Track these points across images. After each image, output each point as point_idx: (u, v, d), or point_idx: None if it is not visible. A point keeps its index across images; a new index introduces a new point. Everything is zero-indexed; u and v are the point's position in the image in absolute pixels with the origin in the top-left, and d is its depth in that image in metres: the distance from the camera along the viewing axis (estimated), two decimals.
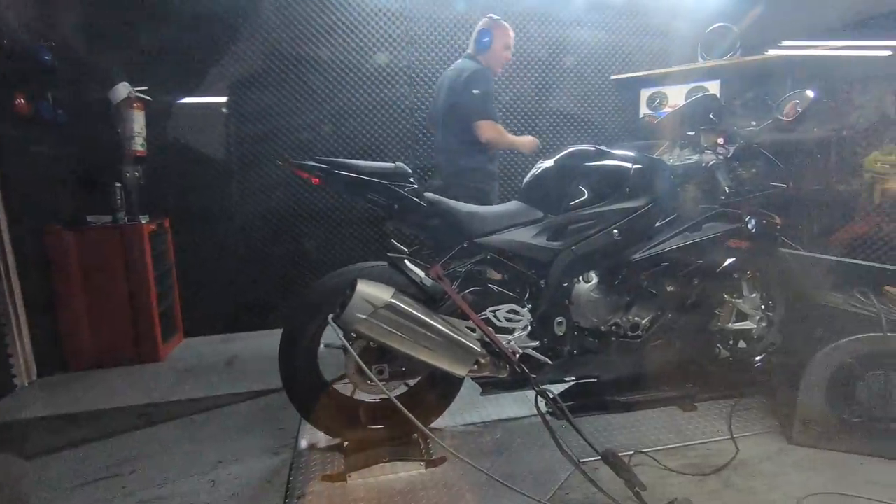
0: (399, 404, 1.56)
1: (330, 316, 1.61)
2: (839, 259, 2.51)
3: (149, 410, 2.29)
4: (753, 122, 2.16)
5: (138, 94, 2.89)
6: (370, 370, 1.64)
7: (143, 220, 2.85)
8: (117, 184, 2.81)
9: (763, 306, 2.15)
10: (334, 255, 3.37)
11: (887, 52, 2.91)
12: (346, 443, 1.90)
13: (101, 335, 2.79)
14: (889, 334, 1.71)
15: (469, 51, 2.78)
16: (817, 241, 2.93)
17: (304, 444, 1.97)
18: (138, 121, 2.91)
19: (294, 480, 1.74)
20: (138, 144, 2.92)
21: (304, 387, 1.83)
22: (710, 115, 2.01)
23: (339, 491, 1.66)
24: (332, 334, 1.68)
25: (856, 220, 2.92)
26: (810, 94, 1.85)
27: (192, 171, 3.15)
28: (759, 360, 2.15)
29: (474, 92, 2.55)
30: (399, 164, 1.80)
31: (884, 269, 2.39)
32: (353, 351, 1.60)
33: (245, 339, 3.23)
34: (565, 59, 3.60)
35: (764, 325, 2.15)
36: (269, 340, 3.12)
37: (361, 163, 1.76)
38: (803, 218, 3.01)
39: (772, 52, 3.18)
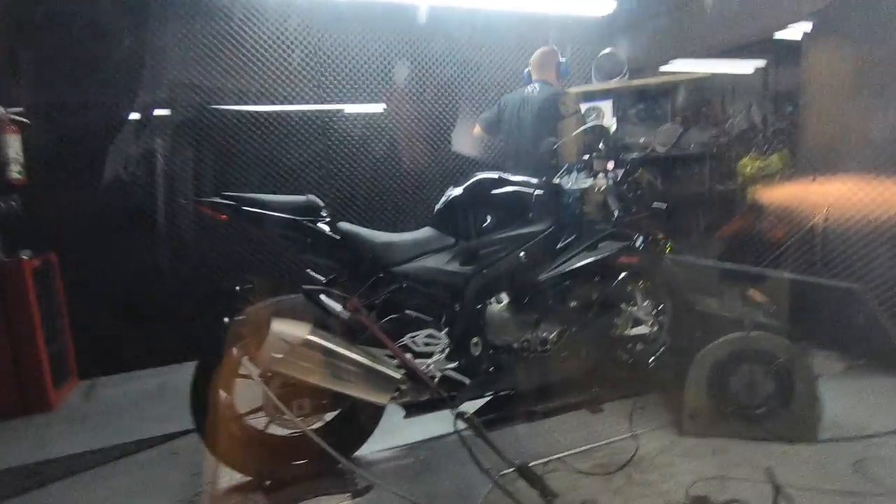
0: (319, 440, 1.56)
1: (245, 358, 1.58)
2: (716, 264, 2.86)
3: (41, 469, 2.07)
4: (642, 139, 2.41)
5: (12, 117, 2.62)
6: (289, 407, 1.63)
7: (25, 255, 2.58)
8: None
9: (654, 311, 2.41)
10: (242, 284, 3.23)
11: (749, 71, 3.41)
12: (267, 482, 1.85)
13: None
14: (751, 334, 1.99)
15: (548, 77, 2.96)
16: (703, 242, 3.31)
17: (221, 488, 1.89)
18: (13, 146, 2.63)
19: None
20: (15, 172, 2.64)
21: (218, 427, 1.76)
22: (599, 145, 2.22)
23: None
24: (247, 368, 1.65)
25: (734, 221, 3.34)
26: (679, 128, 2.12)
27: (82, 200, 2.87)
28: (653, 361, 2.40)
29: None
30: (310, 196, 1.80)
31: (749, 271, 2.77)
32: (269, 392, 1.58)
33: (147, 376, 3.01)
34: (474, 79, 3.76)
35: (656, 328, 2.40)
36: (174, 377, 2.95)
37: (270, 197, 1.74)
38: (691, 221, 3.39)
39: (653, 77, 3.55)
